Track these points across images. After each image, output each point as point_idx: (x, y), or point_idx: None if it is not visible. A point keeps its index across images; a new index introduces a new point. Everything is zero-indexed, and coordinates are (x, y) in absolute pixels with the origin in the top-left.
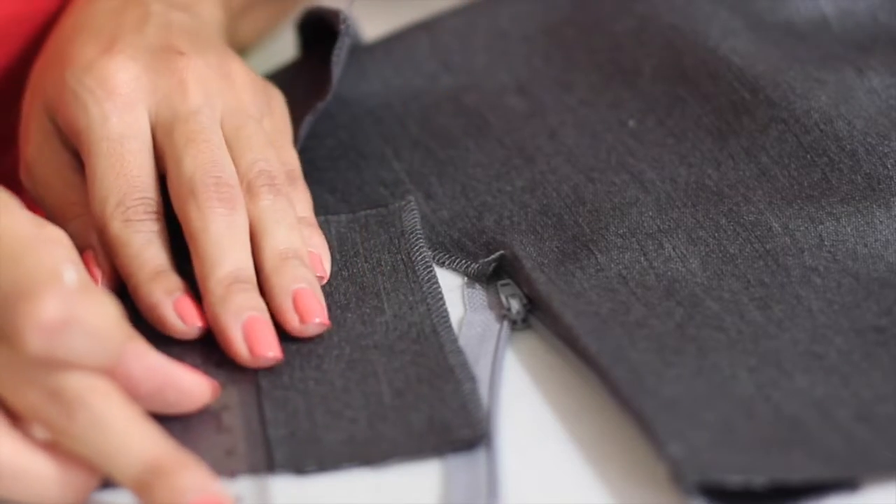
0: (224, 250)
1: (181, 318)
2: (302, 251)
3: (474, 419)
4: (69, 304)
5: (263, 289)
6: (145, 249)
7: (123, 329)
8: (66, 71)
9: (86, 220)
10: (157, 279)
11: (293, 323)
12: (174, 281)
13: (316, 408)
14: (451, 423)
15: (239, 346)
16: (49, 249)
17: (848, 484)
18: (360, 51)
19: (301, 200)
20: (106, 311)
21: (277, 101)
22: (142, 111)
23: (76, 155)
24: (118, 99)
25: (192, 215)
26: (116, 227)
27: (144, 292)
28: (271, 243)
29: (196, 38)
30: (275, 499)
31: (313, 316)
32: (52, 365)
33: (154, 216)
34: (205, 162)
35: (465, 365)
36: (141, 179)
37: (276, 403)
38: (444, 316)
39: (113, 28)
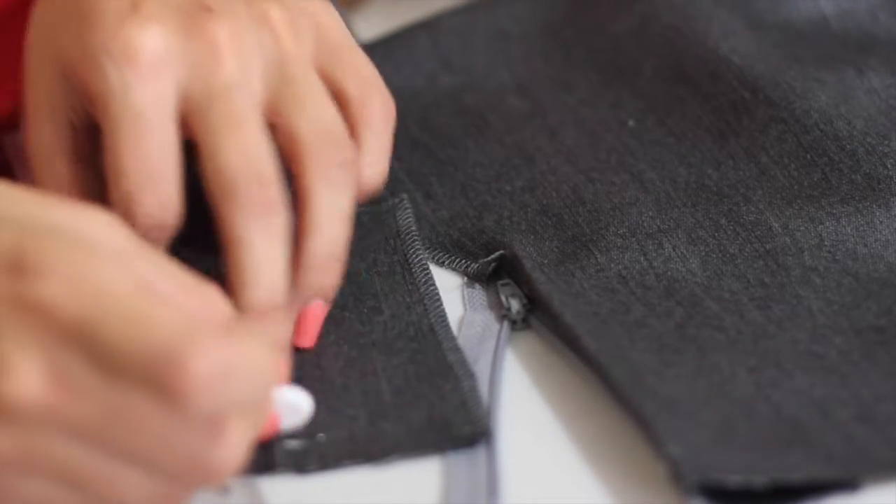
0: (262, 269)
1: None
2: (340, 250)
3: (474, 416)
4: (222, 349)
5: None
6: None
7: (274, 363)
8: (88, 31)
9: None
10: None
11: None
12: None
13: (316, 406)
14: (451, 420)
15: None
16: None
17: (848, 484)
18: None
19: (376, 132)
20: (257, 346)
21: (325, 15)
22: (169, 81)
23: (85, 129)
24: (143, 67)
25: (231, 219)
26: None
27: None
28: (315, 242)
29: None
30: (275, 499)
31: (304, 341)
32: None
33: (170, 213)
34: (245, 154)
35: (463, 363)
36: (161, 162)
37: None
38: (442, 316)
39: None
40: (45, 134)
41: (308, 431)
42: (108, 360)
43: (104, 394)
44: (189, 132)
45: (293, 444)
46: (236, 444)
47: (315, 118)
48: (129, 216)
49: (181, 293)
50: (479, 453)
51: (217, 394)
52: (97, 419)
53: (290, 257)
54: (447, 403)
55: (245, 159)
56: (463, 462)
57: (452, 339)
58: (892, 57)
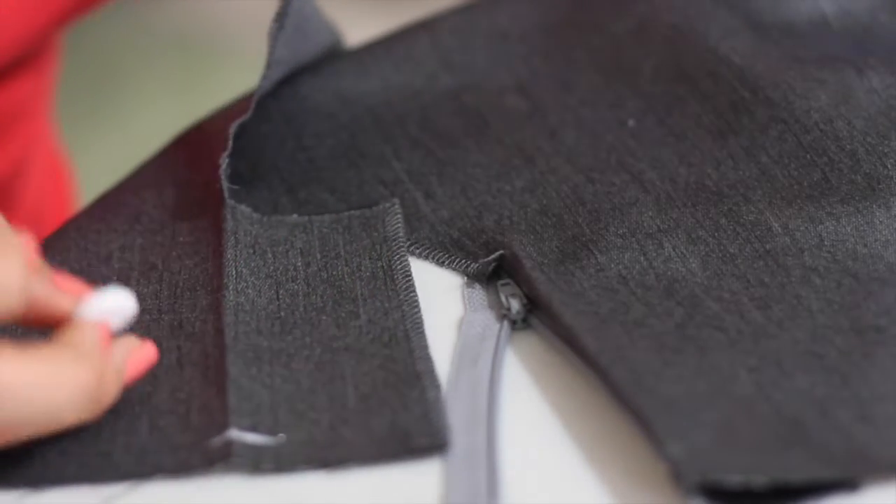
0: None
1: None
2: None
3: (434, 428)
4: None
5: None
6: None
7: None
8: None
9: None
10: None
11: None
12: None
13: (280, 406)
14: (411, 431)
15: None
16: None
17: (848, 484)
18: (361, 49)
19: None
20: None
21: None
22: None
23: None
24: None
25: None
26: None
27: None
28: None
29: None
30: (269, 497)
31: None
32: None
33: None
34: None
35: (432, 372)
36: None
37: (242, 394)
38: (419, 323)
39: None
40: None
41: (270, 429)
42: None
43: None
44: None
45: (253, 438)
46: None
47: None
48: None
49: None
50: (479, 454)
51: None
52: None
53: None
54: (410, 413)
55: None
56: (463, 462)
57: (425, 347)
58: (892, 57)
